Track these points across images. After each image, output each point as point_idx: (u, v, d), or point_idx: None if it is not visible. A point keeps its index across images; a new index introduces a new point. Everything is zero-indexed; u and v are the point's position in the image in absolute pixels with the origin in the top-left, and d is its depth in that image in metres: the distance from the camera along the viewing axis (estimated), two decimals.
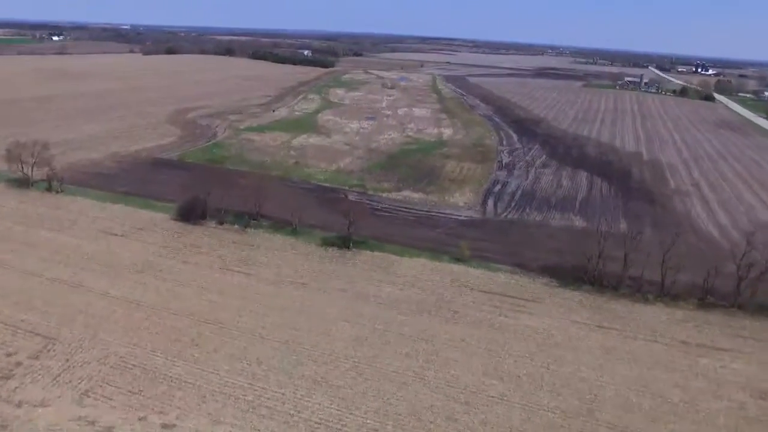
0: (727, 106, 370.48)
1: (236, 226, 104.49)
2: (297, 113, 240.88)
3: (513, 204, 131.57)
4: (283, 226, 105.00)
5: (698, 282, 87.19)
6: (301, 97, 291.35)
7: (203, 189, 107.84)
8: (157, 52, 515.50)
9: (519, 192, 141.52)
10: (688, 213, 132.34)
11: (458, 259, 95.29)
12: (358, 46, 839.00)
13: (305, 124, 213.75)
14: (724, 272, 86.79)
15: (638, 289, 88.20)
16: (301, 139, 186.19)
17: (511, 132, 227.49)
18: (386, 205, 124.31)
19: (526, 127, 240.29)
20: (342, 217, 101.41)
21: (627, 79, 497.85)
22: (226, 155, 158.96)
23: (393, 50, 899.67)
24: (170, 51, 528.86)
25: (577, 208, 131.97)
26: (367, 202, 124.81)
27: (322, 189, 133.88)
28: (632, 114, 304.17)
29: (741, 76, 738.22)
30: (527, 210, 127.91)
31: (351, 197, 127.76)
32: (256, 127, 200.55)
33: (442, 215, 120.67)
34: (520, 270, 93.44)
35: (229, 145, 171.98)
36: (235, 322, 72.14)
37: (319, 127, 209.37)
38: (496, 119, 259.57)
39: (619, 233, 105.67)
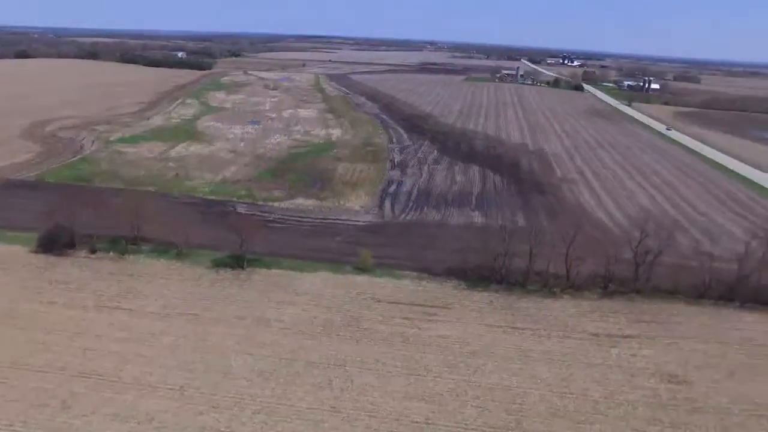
0: (594, 95, 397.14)
1: (112, 254, 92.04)
2: (174, 120, 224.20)
3: (410, 204, 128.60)
4: (166, 248, 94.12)
5: (599, 271, 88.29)
6: (177, 102, 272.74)
7: (69, 213, 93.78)
8: (3, 56, 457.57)
9: (415, 191, 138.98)
10: (578, 201, 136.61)
11: (361, 269, 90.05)
12: (236, 47, 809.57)
13: (184, 132, 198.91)
14: (621, 259, 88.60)
15: (545, 284, 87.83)
16: (180, 149, 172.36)
17: (399, 129, 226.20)
18: (279, 216, 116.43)
19: (415, 124, 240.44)
20: (232, 234, 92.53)
21: (504, 72, 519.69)
22: (95, 171, 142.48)
23: (272, 50, 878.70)
24: (21, 55, 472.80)
25: (474, 203, 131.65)
26: (258, 214, 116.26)
27: (208, 203, 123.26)
28: (513, 106, 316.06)
29: (602, 66, 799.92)
30: (425, 209, 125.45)
31: (240, 210, 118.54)
32: (129, 138, 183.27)
33: (340, 222, 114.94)
34: (426, 275, 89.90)
35: (98, 159, 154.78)
36: (117, 371, 61.74)
37: (200, 135, 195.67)
38: (384, 117, 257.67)
39: (521, 228, 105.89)
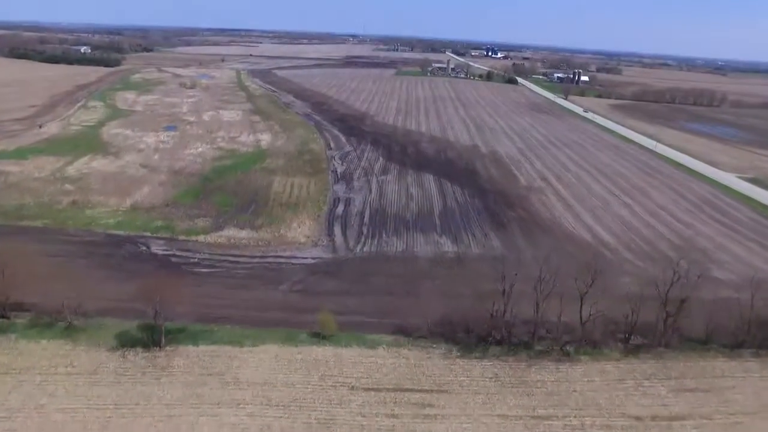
0: (529, 89, 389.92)
1: None
2: (74, 128, 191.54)
3: (365, 230, 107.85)
4: (51, 321, 68.79)
5: (612, 314, 71.14)
6: (79, 105, 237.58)
7: None
8: None
9: (367, 212, 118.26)
10: (553, 216, 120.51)
11: (320, 336, 68.63)
12: (147, 41, 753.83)
13: (85, 143, 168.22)
14: (637, 297, 71.82)
15: (555, 341, 69.74)
16: (80, 165, 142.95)
17: (336, 132, 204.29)
18: (206, 256, 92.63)
19: (352, 125, 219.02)
20: (144, 295, 68.31)
21: (436, 65, 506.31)
22: None
23: (188, 44, 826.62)
24: None
25: (439, 225, 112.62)
26: (179, 254, 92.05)
27: (113, 240, 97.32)
28: (452, 101, 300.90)
29: (525, 58, 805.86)
30: (384, 236, 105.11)
31: (156, 249, 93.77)
32: (14, 152, 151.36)
33: (283, 260, 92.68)
34: (405, 338, 69.73)
35: None
36: None
37: (105, 146, 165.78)
38: (317, 118, 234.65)
39: (505, 258, 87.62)
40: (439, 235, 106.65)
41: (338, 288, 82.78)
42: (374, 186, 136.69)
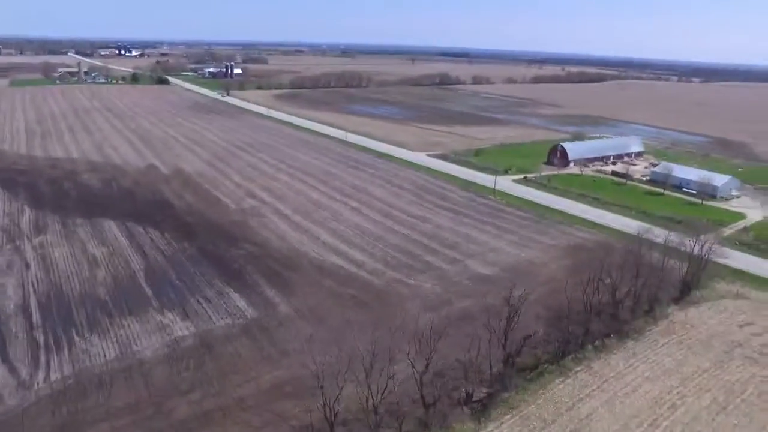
0: (184, 87, 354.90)
1: None
2: None
3: (40, 338, 69.48)
4: None
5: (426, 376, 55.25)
6: None
7: None
8: None
9: (33, 303, 78.07)
10: (289, 243, 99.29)
11: None
12: None
13: None
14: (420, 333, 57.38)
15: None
16: None
17: None
18: None
19: None
20: None
21: (64, 70, 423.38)
22: None
23: None
24: None
25: (151, 295, 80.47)
26: None
27: None
28: (101, 112, 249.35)
29: (163, 54, 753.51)
30: (76, 340, 68.99)
31: None
32: None
33: None
34: None
35: None
36: None
37: None
38: None
39: (274, 328, 63.87)
40: (159, 312, 75.28)
41: None
42: (30, 256, 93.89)
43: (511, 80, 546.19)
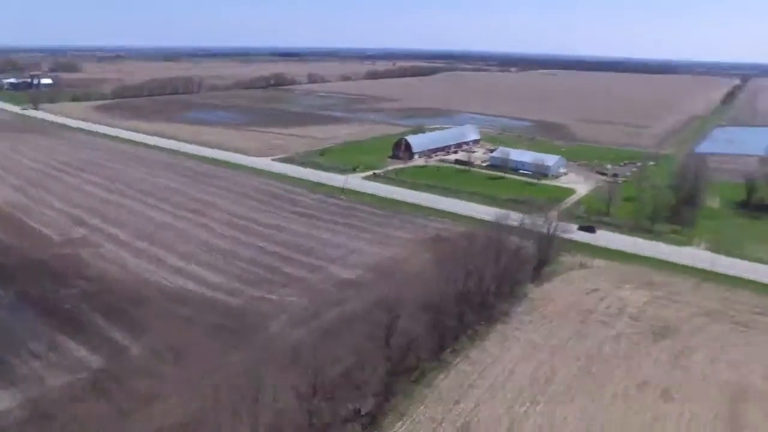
0: None
1: None
2: None
3: None
4: None
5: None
6: None
7: None
8: None
9: None
10: (132, 272, 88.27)
11: None
12: None
13: None
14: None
15: None
16: None
17: None
18: None
19: None
20: None
21: None
22: None
23: None
24: None
25: None
26: None
27: None
28: None
29: None
30: None
31: None
32: None
33: None
34: None
35: None
36: None
37: None
38: None
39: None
40: None
41: None
42: None
43: (346, 77, 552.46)
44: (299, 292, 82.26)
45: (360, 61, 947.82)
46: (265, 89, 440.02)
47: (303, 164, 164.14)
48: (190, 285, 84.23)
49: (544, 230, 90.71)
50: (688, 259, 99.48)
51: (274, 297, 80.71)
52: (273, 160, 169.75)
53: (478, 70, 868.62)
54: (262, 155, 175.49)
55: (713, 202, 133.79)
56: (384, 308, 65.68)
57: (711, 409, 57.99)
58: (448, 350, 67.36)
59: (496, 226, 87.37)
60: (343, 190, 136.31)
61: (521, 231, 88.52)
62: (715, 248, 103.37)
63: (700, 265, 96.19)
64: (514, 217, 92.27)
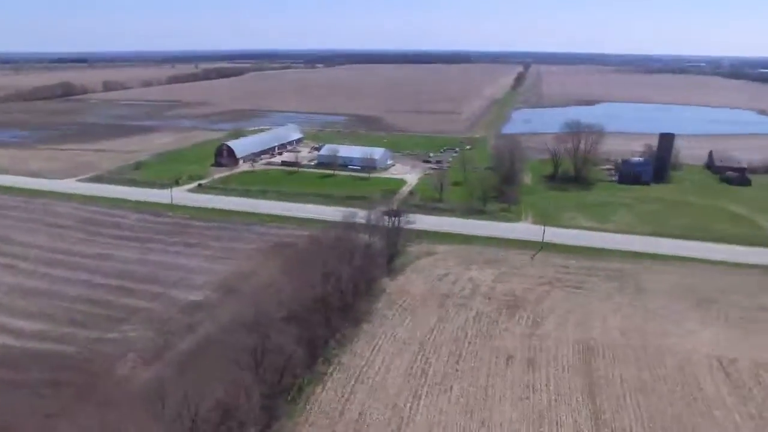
0: None
1: None
2: None
3: None
4: None
5: None
6: None
7: None
8: None
9: None
10: None
11: None
12: None
13: None
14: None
15: None
16: None
17: None
18: None
19: None
20: None
21: None
22: None
23: None
24: None
25: None
26: None
27: None
28: None
29: None
30: None
31: None
32: None
33: None
34: None
35: None
36: None
37: None
38: None
39: None
40: None
41: None
42: None
43: (147, 83, 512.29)
44: (142, 325, 73.24)
45: (157, 65, 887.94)
46: (51, 100, 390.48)
47: (118, 182, 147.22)
48: (8, 340, 70.30)
49: (389, 224, 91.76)
50: (520, 233, 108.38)
51: (114, 335, 70.79)
52: (80, 180, 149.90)
53: (286, 68, 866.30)
54: (66, 176, 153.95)
55: (527, 178, 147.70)
56: (243, 328, 60.88)
57: (569, 368, 63.11)
58: (320, 360, 64.66)
59: (343, 225, 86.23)
60: (171, 206, 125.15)
61: (367, 227, 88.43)
62: (540, 221, 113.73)
63: (531, 238, 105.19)
64: (361, 215, 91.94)
